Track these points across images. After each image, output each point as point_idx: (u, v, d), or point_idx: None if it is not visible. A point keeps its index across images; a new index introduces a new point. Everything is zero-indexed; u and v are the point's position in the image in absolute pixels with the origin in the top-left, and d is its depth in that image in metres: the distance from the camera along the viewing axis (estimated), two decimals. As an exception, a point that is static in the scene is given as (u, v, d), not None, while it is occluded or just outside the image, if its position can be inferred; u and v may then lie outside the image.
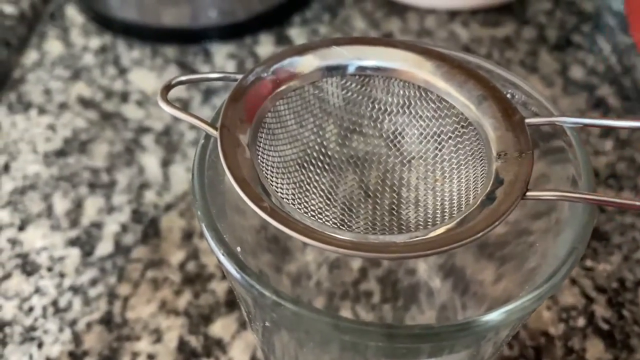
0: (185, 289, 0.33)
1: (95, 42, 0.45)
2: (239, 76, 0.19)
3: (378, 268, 0.33)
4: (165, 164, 0.39)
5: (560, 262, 0.17)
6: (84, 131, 0.40)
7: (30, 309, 0.32)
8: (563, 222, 0.18)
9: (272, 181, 0.18)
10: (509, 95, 0.20)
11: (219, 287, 0.33)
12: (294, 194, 0.19)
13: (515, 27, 0.47)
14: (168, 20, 0.44)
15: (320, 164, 0.21)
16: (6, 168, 0.38)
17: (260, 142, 0.19)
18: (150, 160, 0.39)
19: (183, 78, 0.19)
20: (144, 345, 0.31)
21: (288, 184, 0.19)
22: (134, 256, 0.34)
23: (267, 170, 0.19)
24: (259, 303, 0.17)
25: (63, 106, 0.41)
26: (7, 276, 0.34)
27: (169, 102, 0.18)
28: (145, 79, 0.43)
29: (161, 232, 0.35)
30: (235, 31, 0.44)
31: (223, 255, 0.16)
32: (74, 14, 0.47)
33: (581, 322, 0.32)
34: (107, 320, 0.32)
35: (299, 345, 0.21)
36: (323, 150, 0.21)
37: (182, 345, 0.31)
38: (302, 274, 0.30)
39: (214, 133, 0.18)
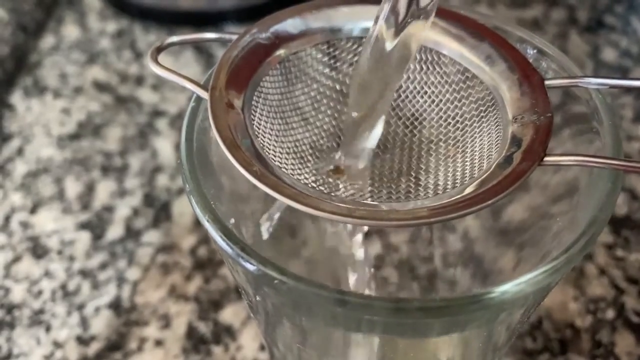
0: (196, 274, 0.32)
1: (112, 26, 0.45)
2: (235, 37, 0.18)
3: (394, 255, 0.32)
4: (179, 147, 0.38)
5: (580, 232, 0.15)
6: (98, 115, 0.40)
7: (39, 292, 0.32)
8: (584, 194, 0.17)
9: (269, 147, 0.17)
10: (528, 57, 0.18)
11: (229, 273, 0.32)
12: (293, 162, 0.18)
13: (543, 8, 0.45)
14: (185, 3, 0.43)
15: (323, 132, 0.19)
16: (20, 151, 0.38)
17: (257, 106, 0.18)
18: (164, 144, 0.38)
19: (175, 39, 0.18)
20: (152, 330, 0.30)
21: (287, 151, 0.18)
22: (144, 240, 0.34)
23: (265, 136, 0.17)
24: (254, 282, 0.15)
25: (78, 90, 0.41)
26: (18, 259, 0.33)
27: (158, 63, 0.17)
28: (160, 62, 0.42)
29: (173, 217, 0.35)
30: (254, 14, 0.43)
31: (208, 221, 0.15)
32: (92, -1, 0.47)
33: (610, 314, 0.30)
34: (115, 305, 0.31)
35: (302, 336, 0.20)
36: (327, 118, 0.19)
37: (191, 331, 0.30)
38: (313, 260, 0.29)
39: (205, 94, 0.17)
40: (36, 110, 0.40)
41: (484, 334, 0.19)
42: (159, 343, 0.30)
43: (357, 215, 0.15)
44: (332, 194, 0.18)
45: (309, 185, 0.17)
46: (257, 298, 0.17)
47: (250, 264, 0.14)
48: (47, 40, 0.44)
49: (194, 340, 0.30)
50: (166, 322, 0.31)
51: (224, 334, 0.30)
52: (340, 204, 0.15)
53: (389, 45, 0.18)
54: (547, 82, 0.17)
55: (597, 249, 0.33)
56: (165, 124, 0.39)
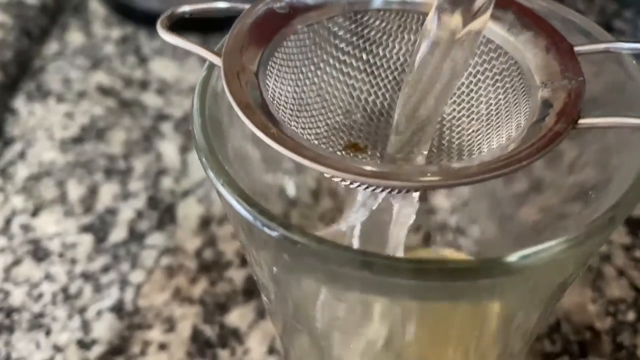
0: (201, 276, 0.31)
1: (116, 32, 0.44)
2: (248, 6, 0.17)
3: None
4: (184, 150, 0.37)
5: (613, 204, 0.14)
6: (101, 119, 0.39)
7: (40, 296, 0.31)
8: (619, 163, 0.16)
9: (284, 116, 0.17)
10: (555, 26, 0.18)
11: (236, 275, 0.31)
12: (309, 136, 0.17)
13: (552, 13, 0.44)
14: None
15: (339, 109, 0.19)
16: (22, 155, 0.37)
17: (270, 77, 0.17)
18: (169, 147, 0.37)
19: (187, 8, 0.17)
20: (155, 334, 0.29)
21: (303, 127, 0.17)
22: (148, 243, 0.33)
23: (279, 106, 0.17)
24: (275, 249, 0.14)
25: (82, 94, 0.40)
26: (18, 262, 0.32)
27: (168, 30, 0.16)
28: (166, 68, 0.42)
29: (177, 219, 0.34)
30: (259, 19, 0.43)
31: (223, 185, 0.14)
32: (96, 7, 0.46)
33: (631, 316, 0.29)
34: (118, 308, 0.30)
35: (321, 322, 0.19)
36: (344, 95, 0.19)
37: (196, 335, 0.29)
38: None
39: (217, 60, 0.16)
40: (39, 114, 0.39)
41: (502, 332, 0.18)
42: (163, 347, 0.29)
43: (382, 176, 0.14)
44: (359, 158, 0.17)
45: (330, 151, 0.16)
46: (274, 270, 0.16)
47: (270, 228, 0.13)
48: (51, 46, 0.43)
49: (199, 344, 0.29)
50: (170, 325, 0.30)
51: (231, 337, 0.29)
52: (373, 167, 0.14)
53: (450, 42, 0.16)
54: (576, 49, 0.17)
55: (615, 250, 0.32)
56: (170, 127, 0.38)
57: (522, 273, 0.14)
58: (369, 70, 0.19)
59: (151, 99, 0.40)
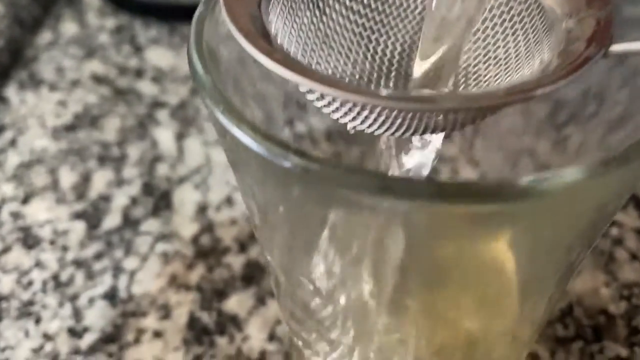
0: (198, 262, 0.30)
1: (111, 22, 0.43)
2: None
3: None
4: (180, 137, 0.36)
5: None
6: (95, 106, 0.38)
7: (29, 283, 0.30)
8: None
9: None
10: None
11: (235, 261, 0.30)
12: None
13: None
14: (187, -2, 0.42)
15: (346, 57, 0.18)
16: (13, 142, 0.36)
17: (273, 15, 0.16)
18: (164, 134, 0.36)
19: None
20: (150, 321, 0.28)
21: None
22: (143, 229, 0.32)
23: (284, 42, 0.16)
24: (284, 180, 0.13)
25: (75, 83, 0.39)
26: (7, 249, 0.31)
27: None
28: (161, 56, 0.41)
29: (173, 205, 0.33)
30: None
31: (223, 113, 0.13)
32: (91, -2, 0.46)
33: (646, 299, 0.28)
34: (111, 295, 0.29)
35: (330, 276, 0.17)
36: (350, 43, 0.18)
37: (193, 322, 0.28)
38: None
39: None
40: (31, 102, 0.38)
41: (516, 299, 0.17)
42: (158, 334, 0.28)
43: (395, 98, 0.13)
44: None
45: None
46: (280, 209, 0.14)
47: (280, 156, 0.12)
48: (44, 36, 0.42)
49: (196, 331, 0.28)
50: (166, 312, 0.28)
51: (229, 324, 0.28)
52: (382, 92, 0.13)
53: None
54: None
55: (627, 233, 0.31)
56: (165, 114, 0.37)
57: (536, 197, 0.12)
58: (377, 18, 0.18)
59: (146, 87, 0.39)
